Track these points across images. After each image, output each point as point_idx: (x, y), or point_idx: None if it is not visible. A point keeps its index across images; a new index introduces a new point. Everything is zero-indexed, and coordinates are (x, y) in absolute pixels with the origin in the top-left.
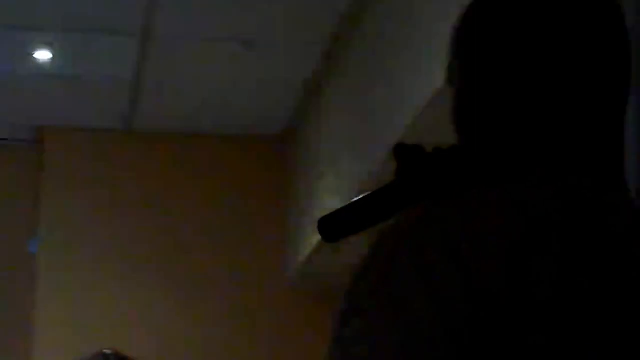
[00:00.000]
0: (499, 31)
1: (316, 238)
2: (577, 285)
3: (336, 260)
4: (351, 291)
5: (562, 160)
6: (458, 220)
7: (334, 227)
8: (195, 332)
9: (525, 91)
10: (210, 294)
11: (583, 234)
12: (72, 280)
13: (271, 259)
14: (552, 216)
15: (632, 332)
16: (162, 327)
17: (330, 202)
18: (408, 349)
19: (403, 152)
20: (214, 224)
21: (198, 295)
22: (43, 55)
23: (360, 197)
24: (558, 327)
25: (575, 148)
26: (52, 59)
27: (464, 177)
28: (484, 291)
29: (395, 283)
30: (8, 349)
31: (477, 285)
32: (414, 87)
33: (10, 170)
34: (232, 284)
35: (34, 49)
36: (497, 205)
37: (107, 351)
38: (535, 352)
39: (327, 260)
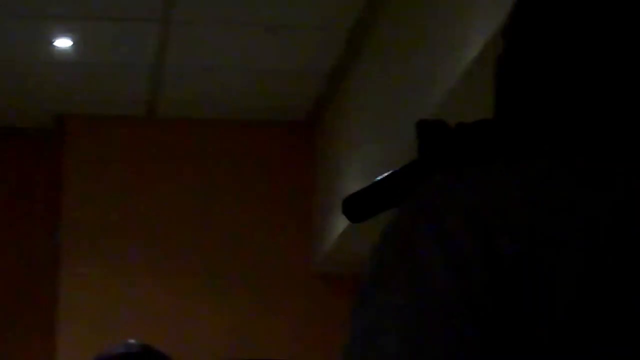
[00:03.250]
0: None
1: (342, 224)
2: (601, 260)
3: (362, 246)
4: (371, 262)
5: (596, 141)
6: (480, 190)
7: (359, 206)
8: (221, 320)
9: (567, 68)
10: (236, 281)
11: (608, 212)
12: (96, 271)
13: (297, 245)
14: (579, 193)
15: None
16: (187, 316)
17: (356, 187)
18: (425, 317)
19: (426, 129)
20: (239, 210)
21: (224, 283)
22: (63, 43)
23: (385, 175)
24: (580, 300)
25: (613, 131)
26: (73, 46)
27: (487, 152)
28: (504, 261)
29: (415, 251)
30: (32, 342)
31: (497, 255)
32: (438, 72)
33: (32, 159)
34: (259, 271)
35: (55, 37)
36: (522, 177)
37: (132, 341)
38: (553, 325)
39: (353, 246)
